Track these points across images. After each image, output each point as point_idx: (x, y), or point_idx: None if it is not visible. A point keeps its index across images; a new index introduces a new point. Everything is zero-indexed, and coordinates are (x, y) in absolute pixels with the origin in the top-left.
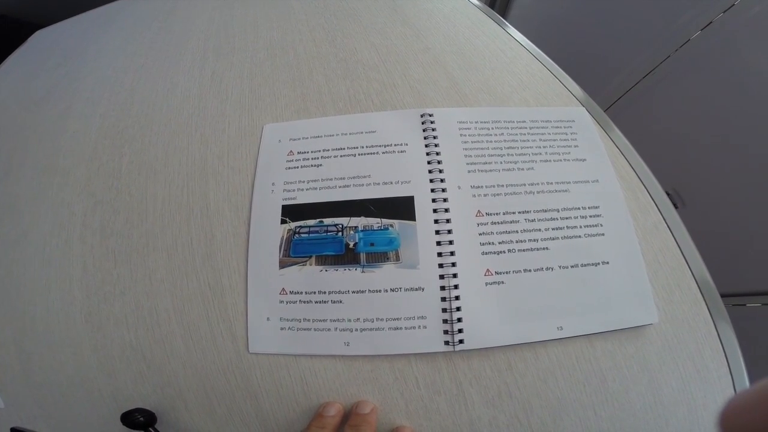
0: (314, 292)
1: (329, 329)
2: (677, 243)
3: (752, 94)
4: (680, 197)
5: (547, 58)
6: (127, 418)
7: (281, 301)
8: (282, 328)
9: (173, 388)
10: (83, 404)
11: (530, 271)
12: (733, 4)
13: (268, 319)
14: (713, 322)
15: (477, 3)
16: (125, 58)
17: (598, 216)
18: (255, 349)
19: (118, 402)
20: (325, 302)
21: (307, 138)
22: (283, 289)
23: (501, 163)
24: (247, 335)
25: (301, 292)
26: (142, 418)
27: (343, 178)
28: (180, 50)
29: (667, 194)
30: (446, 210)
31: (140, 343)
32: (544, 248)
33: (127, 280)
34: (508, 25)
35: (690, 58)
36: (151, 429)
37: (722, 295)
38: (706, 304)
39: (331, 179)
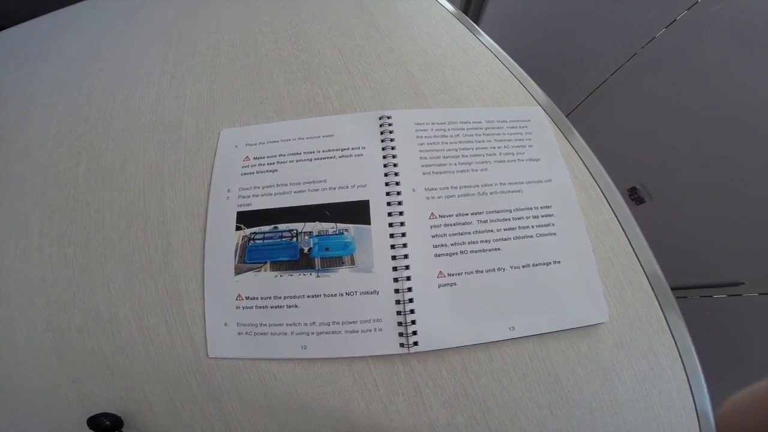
0: (270, 298)
1: (285, 333)
2: (629, 240)
3: (715, 90)
4: (648, 192)
5: (509, 57)
6: (94, 422)
7: (237, 307)
8: (240, 333)
9: (138, 392)
10: (51, 410)
11: (482, 272)
12: (697, 2)
13: (225, 324)
14: (665, 319)
15: (447, 5)
16: (85, 62)
17: (550, 216)
18: (214, 354)
19: (85, 407)
20: (280, 307)
21: (264, 143)
22: (239, 294)
23: (455, 164)
24: (206, 340)
25: (257, 298)
26: (108, 422)
27: (299, 183)
28: (141, 54)
29: (635, 189)
30: (401, 213)
31: (102, 350)
32: (496, 249)
33: (86, 288)
34: (474, 24)
35: (656, 56)
36: None
37: (687, 287)
38: (658, 302)
39: (286, 184)
